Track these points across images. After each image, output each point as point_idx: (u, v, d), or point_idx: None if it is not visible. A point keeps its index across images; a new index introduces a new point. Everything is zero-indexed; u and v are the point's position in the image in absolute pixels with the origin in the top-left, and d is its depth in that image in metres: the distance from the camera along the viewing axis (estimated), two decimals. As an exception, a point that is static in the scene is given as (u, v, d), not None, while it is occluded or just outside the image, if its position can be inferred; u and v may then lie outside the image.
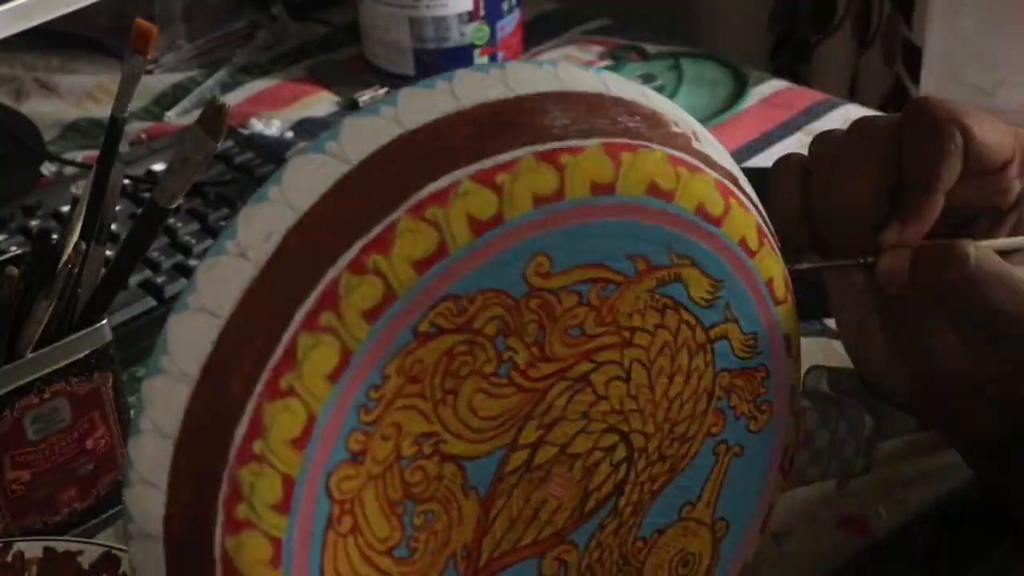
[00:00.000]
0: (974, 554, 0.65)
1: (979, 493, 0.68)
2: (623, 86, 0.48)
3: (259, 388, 0.42)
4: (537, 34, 1.12)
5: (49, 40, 1.11)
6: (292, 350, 0.42)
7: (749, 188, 0.51)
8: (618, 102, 0.47)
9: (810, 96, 1.03)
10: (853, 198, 0.57)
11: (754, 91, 1.03)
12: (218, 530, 0.42)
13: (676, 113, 0.49)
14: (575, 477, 0.50)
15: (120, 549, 0.62)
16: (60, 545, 0.63)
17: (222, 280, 0.43)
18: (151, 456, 0.43)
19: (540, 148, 0.44)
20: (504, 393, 0.47)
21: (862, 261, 0.57)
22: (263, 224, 0.43)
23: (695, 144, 0.48)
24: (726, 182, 0.49)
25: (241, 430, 0.42)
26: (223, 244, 0.43)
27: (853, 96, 1.33)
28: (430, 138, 0.44)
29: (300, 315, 0.42)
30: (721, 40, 1.42)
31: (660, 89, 1.04)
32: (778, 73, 1.15)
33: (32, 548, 0.63)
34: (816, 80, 1.34)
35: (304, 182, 0.43)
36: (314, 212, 0.43)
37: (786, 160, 0.60)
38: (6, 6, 0.86)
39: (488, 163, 0.43)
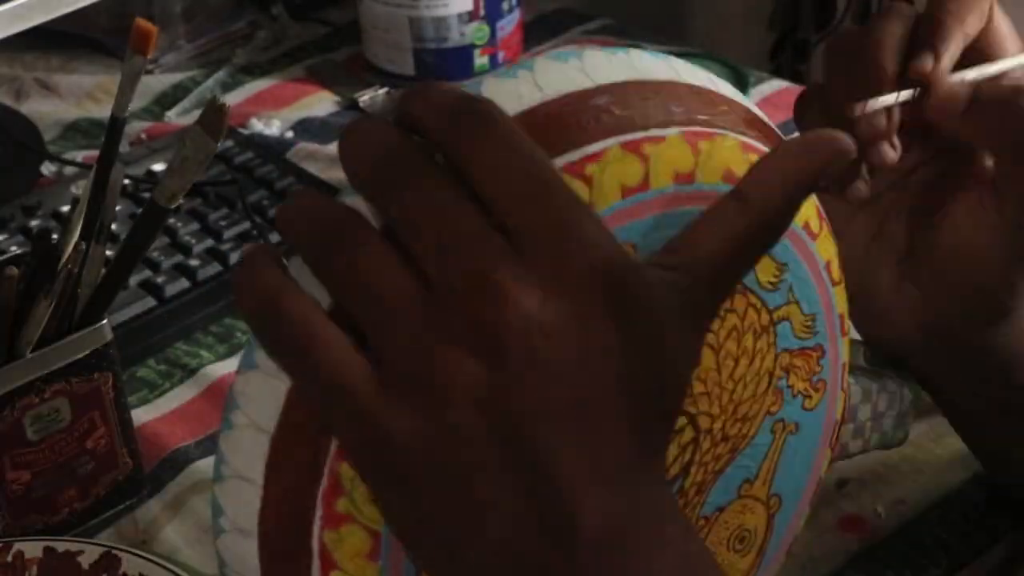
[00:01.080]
0: (974, 554, 0.65)
1: (980, 493, 0.68)
2: (691, 72, 0.48)
3: None
4: (537, 34, 1.12)
5: (49, 40, 1.11)
6: None
7: None
8: (690, 89, 0.47)
9: (810, 96, 1.03)
10: (880, 40, 0.58)
11: (754, 91, 1.03)
12: (316, 524, 0.42)
13: (739, 97, 0.49)
14: None
15: (120, 549, 0.62)
16: (60, 545, 0.63)
17: None
18: (246, 451, 0.43)
19: (625, 138, 0.44)
20: None
21: (912, 92, 0.57)
22: None
23: (761, 129, 0.49)
24: None
25: None
26: None
27: (853, 96, 1.33)
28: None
29: None
30: (721, 40, 1.42)
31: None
32: (778, 73, 1.15)
33: (32, 548, 0.63)
34: (816, 79, 1.34)
35: None
36: None
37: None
38: (6, 6, 0.86)
39: (576, 155, 0.43)
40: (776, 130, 0.50)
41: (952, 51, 0.57)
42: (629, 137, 0.44)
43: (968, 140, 0.59)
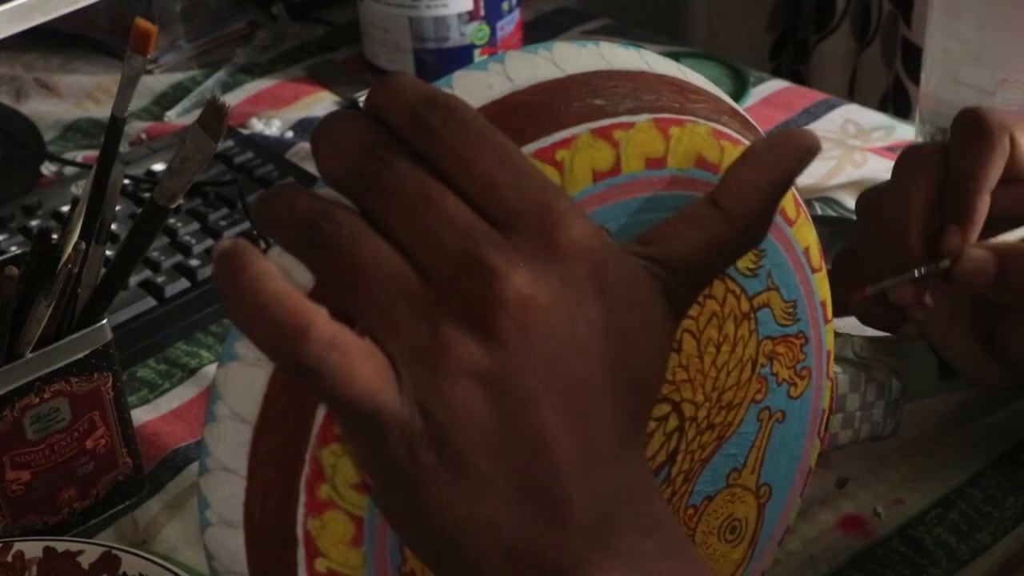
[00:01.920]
0: (973, 554, 0.65)
1: (980, 492, 0.68)
2: (662, 64, 0.49)
3: None
4: (537, 34, 1.12)
5: (49, 40, 1.11)
6: None
7: None
8: (660, 79, 0.48)
9: (810, 96, 1.03)
10: (906, 210, 0.62)
11: (754, 91, 1.03)
12: (300, 512, 0.42)
13: (711, 88, 0.50)
14: None
15: (120, 549, 0.62)
16: (60, 545, 0.63)
17: None
18: (229, 442, 0.43)
19: (595, 125, 0.45)
20: None
21: (938, 266, 0.61)
22: None
23: (733, 116, 0.49)
24: None
25: (322, 411, 0.42)
26: None
27: (852, 95, 1.33)
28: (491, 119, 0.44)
29: None
30: (721, 40, 1.42)
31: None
32: (778, 72, 1.15)
33: (32, 548, 0.63)
34: (815, 79, 1.34)
35: None
36: None
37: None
38: (6, 6, 0.86)
39: (547, 141, 0.44)
40: (749, 118, 0.50)
41: (978, 220, 0.61)
42: (599, 124, 0.45)
43: (1002, 300, 0.62)
